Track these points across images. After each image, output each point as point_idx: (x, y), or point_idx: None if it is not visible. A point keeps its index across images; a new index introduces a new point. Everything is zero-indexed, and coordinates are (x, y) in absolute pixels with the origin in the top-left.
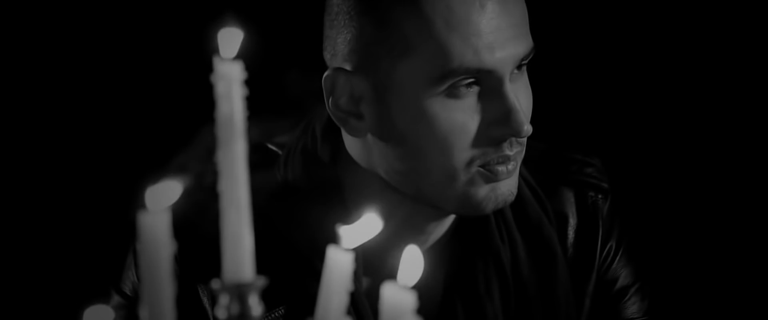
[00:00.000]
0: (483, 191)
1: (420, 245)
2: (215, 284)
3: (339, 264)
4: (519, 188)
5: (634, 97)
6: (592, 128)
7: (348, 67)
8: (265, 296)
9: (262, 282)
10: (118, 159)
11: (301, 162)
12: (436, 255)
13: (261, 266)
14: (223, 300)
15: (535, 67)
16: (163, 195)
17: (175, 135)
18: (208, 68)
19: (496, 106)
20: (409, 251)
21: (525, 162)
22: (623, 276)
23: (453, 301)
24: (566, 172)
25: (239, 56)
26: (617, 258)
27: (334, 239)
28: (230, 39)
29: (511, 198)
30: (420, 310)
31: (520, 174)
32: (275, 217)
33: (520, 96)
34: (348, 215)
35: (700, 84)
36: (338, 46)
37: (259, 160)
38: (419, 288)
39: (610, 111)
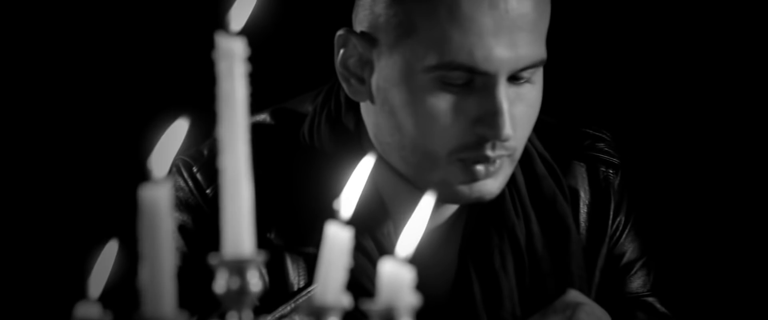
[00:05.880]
0: (459, 185)
1: (434, 218)
2: (213, 259)
3: (338, 240)
4: (533, 163)
5: (644, 72)
6: (601, 102)
7: (360, 30)
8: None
9: (262, 257)
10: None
11: (328, 129)
12: (450, 229)
13: (282, 230)
14: (222, 275)
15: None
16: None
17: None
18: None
19: (484, 104)
20: (410, 227)
21: (537, 137)
22: (630, 251)
23: (468, 275)
24: (578, 147)
25: (246, 30)
26: (626, 232)
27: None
28: (241, 11)
29: (490, 197)
30: (433, 284)
31: (535, 149)
32: (300, 182)
33: (517, 105)
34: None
35: (711, 63)
36: (359, 8)
37: (280, 122)
38: (432, 263)
39: (619, 86)
